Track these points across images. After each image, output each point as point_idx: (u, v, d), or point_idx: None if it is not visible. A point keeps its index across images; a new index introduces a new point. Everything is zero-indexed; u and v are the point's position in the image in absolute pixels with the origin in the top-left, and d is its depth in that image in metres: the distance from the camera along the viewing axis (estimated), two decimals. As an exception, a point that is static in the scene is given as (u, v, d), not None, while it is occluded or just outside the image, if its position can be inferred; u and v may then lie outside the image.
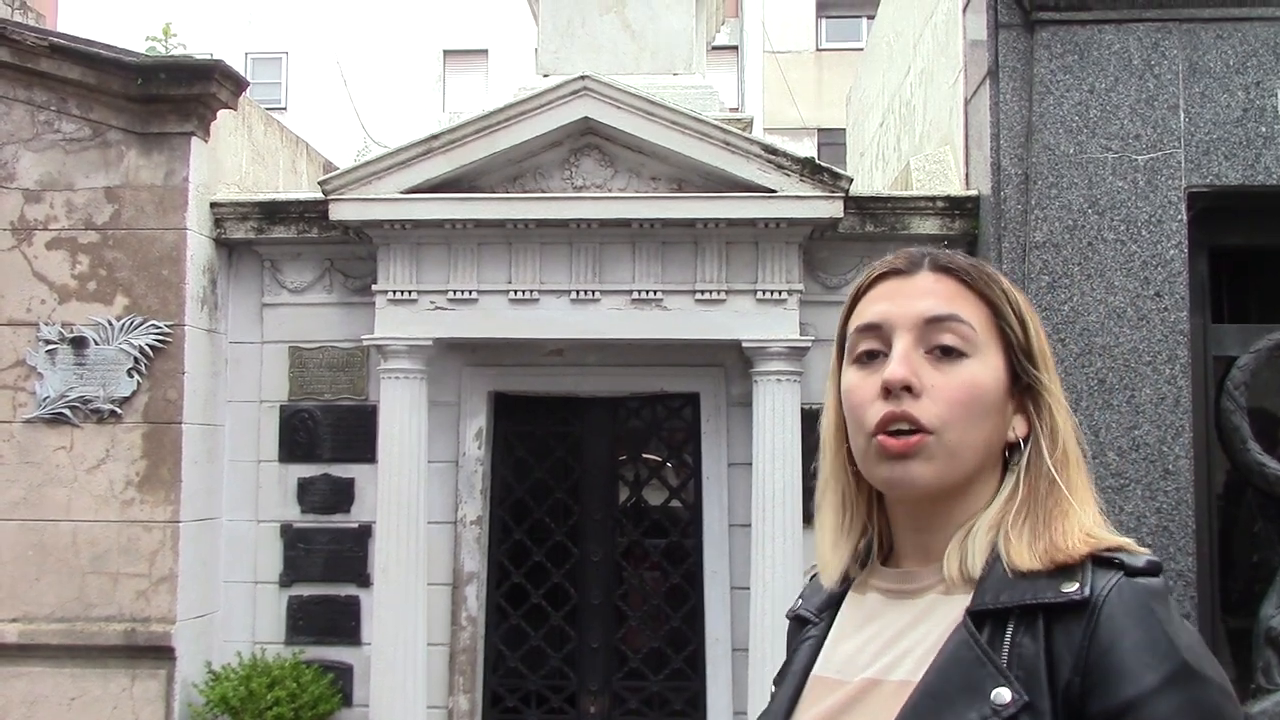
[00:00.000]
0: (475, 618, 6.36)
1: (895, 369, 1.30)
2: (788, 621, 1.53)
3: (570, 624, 6.49)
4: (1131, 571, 1.20)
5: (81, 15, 20.18)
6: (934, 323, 1.32)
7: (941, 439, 1.29)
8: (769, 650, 5.77)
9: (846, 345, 1.40)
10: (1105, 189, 5.42)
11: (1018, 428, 1.33)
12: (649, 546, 6.62)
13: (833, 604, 1.43)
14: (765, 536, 5.84)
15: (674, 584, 6.52)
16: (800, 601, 1.50)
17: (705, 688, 6.29)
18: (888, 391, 1.30)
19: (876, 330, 1.35)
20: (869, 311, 1.38)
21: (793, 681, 1.39)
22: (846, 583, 1.42)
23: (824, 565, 1.44)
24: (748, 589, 5.96)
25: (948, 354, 1.31)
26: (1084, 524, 1.27)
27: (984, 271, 1.36)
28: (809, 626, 1.44)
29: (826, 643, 1.39)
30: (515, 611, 6.50)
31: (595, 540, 6.52)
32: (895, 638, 1.30)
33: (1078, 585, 1.19)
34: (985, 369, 1.32)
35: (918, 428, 1.28)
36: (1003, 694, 1.16)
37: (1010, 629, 1.20)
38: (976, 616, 1.22)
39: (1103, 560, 1.22)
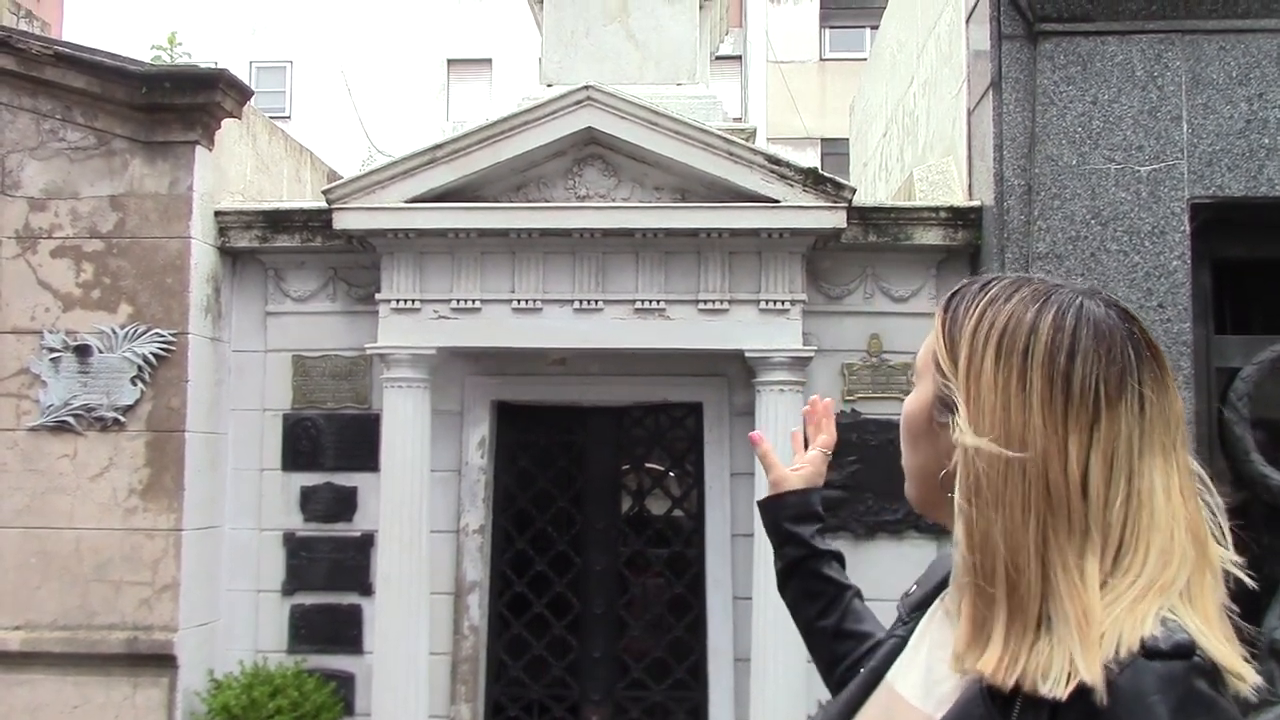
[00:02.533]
0: (477, 627, 6.36)
1: None
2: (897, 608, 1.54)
3: (572, 633, 6.48)
4: (1152, 653, 1.12)
5: (87, 24, 20.24)
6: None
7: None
8: (771, 661, 5.77)
9: None
10: (1108, 200, 5.42)
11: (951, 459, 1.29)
12: (651, 556, 6.62)
13: (922, 605, 1.43)
14: (767, 546, 5.80)
15: (676, 594, 6.51)
16: (915, 586, 1.49)
17: (707, 698, 6.28)
18: None
19: None
20: None
21: (866, 678, 1.42)
22: (943, 585, 1.40)
23: None
24: (750, 599, 5.96)
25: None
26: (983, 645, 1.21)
27: (949, 299, 1.35)
28: (899, 625, 1.46)
29: (906, 648, 1.39)
30: (517, 620, 6.49)
31: (598, 549, 6.52)
32: (939, 661, 1.29)
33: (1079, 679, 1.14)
34: (913, 397, 1.37)
35: None
36: None
37: (1019, 704, 1.15)
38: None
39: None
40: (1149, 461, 1.22)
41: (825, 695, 5.66)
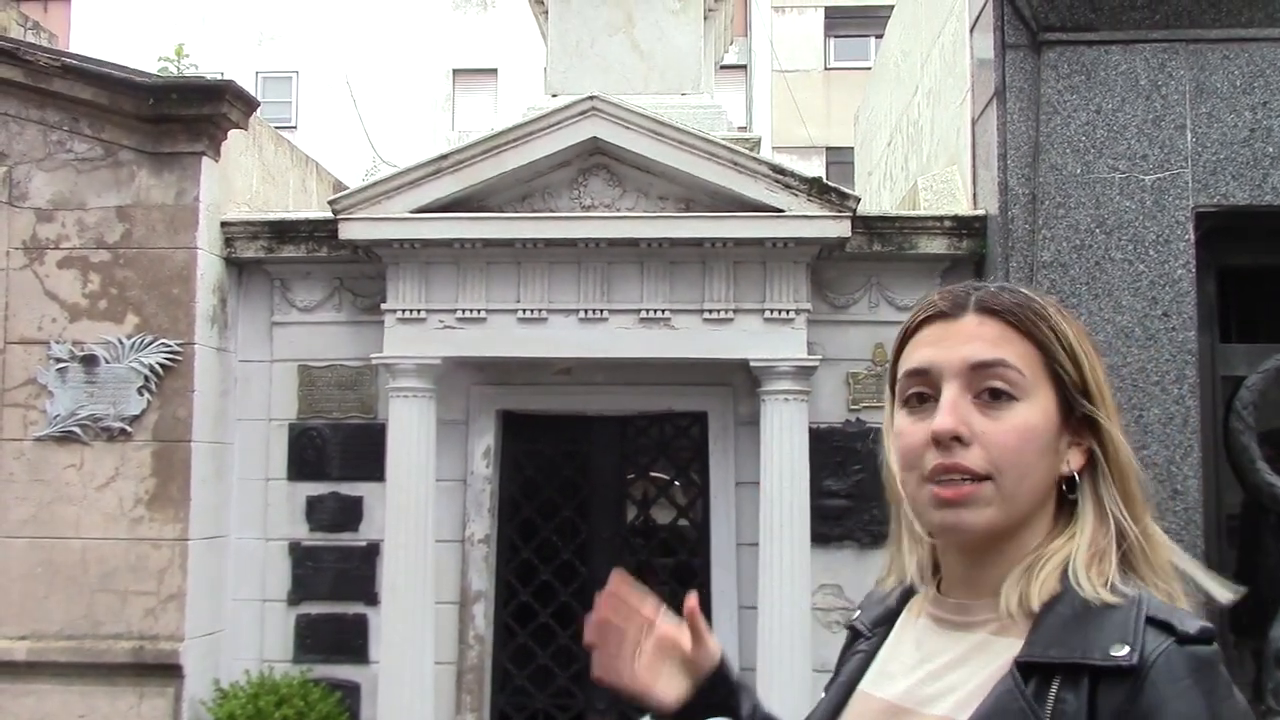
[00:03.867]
0: (483, 636, 6.36)
1: (943, 420, 1.29)
2: (846, 631, 1.55)
3: (578, 643, 6.47)
4: (1183, 639, 1.19)
5: (94, 36, 20.32)
6: (980, 368, 1.31)
7: (998, 485, 1.29)
8: (776, 669, 5.76)
9: (897, 387, 1.40)
10: (1112, 209, 5.42)
11: (1072, 461, 1.33)
12: (657, 565, 6.61)
13: (888, 620, 1.44)
14: (773, 556, 5.83)
15: (681, 603, 6.49)
16: (859, 613, 1.52)
17: (713, 707, 6.26)
18: (938, 441, 1.29)
19: (924, 375, 1.34)
20: (915, 356, 1.36)
21: (838, 693, 1.42)
22: (904, 600, 1.44)
23: (897, 565, 1.44)
24: (755, 608, 5.95)
25: (997, 398, 1.31)
26: (1157, 561, 1.31)
27: (1030, 310, 1.34)
28: (861, 640, 1.46)
29: (876, 660, 1.41)
30: (523, 630, 6.49)
31: (603, 559, 6.51)
32: (941, 671, 1.30)
33: (1128, 650, 1.18)
34: (1035, 411, 1.31)
35: (971, 476, 1.29)
36: None
37: (1056, 684, 1.19)
38: (1024, 667, 1.22)
39: (1157, 622, 1.21)
40: None
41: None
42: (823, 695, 1.47)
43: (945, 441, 1.29)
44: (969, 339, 1.32)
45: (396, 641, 5.98)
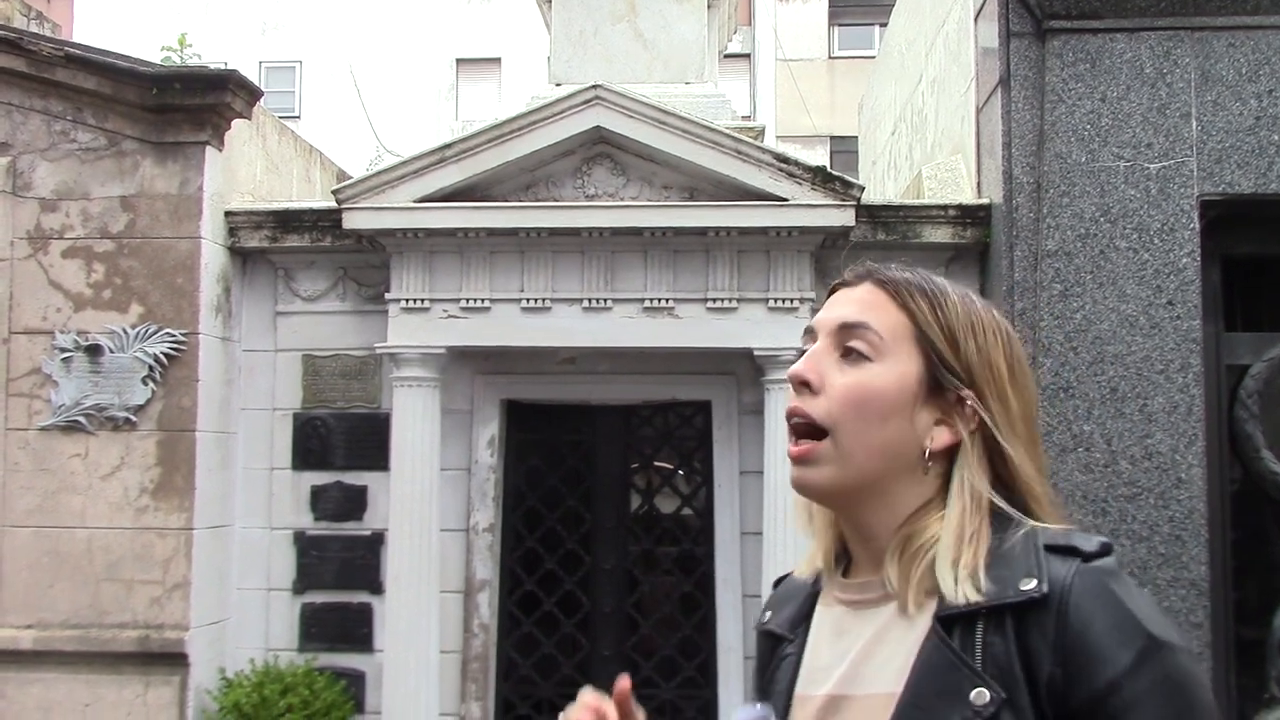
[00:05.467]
0: (487, 625, 6.37)
1: (796, 366, 1.39)
2: (756, 634, 1.56)
3: (582, 632, 6.49)
4: (1088, 557, 1.25)
5: (97, 26, 20.31)
6: (846, 328, 1.38)
7: (835, 441, 1.34)
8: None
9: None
10: (1117, 197, 5.41)
11: (935, 438, 1.35)
12: (661, 554, 6.62)
13: (803, 618, 1.46)
14: (777, 544, 5.84)
15: (686, 592, 6.52)
16: (769, 614, 1.54)
17: (716, 696, 6.29)
18: (793, 386, 1.39)
19: (810, 333, 1.42)
20: (814, 318, 1.45)
21: (778, 703, 1.42)
22: (814, 598, 1.46)
23: (810, 554, 1.48)
24: (759, 597, 5.96)
25: (849, 357, 1.36)
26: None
27: (916, 285, 1.40)
28: (785, 644, 1.47)
29: (804, 660, 1.42)
30: (527, 619, 6.50)
31: (607, 548, 6.53)
32: (868, 650, 1.32)
33: (1035, 581, 1.22)
34: (886, 375, 1.35)
35: (810, 423, 1.35)
36: (981, 694, 1.20)
37: (980, 630, 1.23)
38: (945, 621, 1.25)
39: (1057, 549, 1.25)
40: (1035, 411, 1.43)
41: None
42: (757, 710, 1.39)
43: (796, 386, 1.38)
44: (849, 302, 1.40)
45: (401, 630, 6.00)
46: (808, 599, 1.46)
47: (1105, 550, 1.26)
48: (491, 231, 6.02)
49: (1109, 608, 1.21)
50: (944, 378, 1.35)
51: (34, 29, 7.29)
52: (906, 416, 1.34)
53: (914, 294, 1.39)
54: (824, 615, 1.42)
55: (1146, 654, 1.19)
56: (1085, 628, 1.20)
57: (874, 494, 1.34)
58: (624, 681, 1.51)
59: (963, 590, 1.24)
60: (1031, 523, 1.30)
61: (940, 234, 6.10)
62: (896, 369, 1.35)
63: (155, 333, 6.10)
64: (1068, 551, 1.25)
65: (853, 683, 1.32)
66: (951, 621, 1.25)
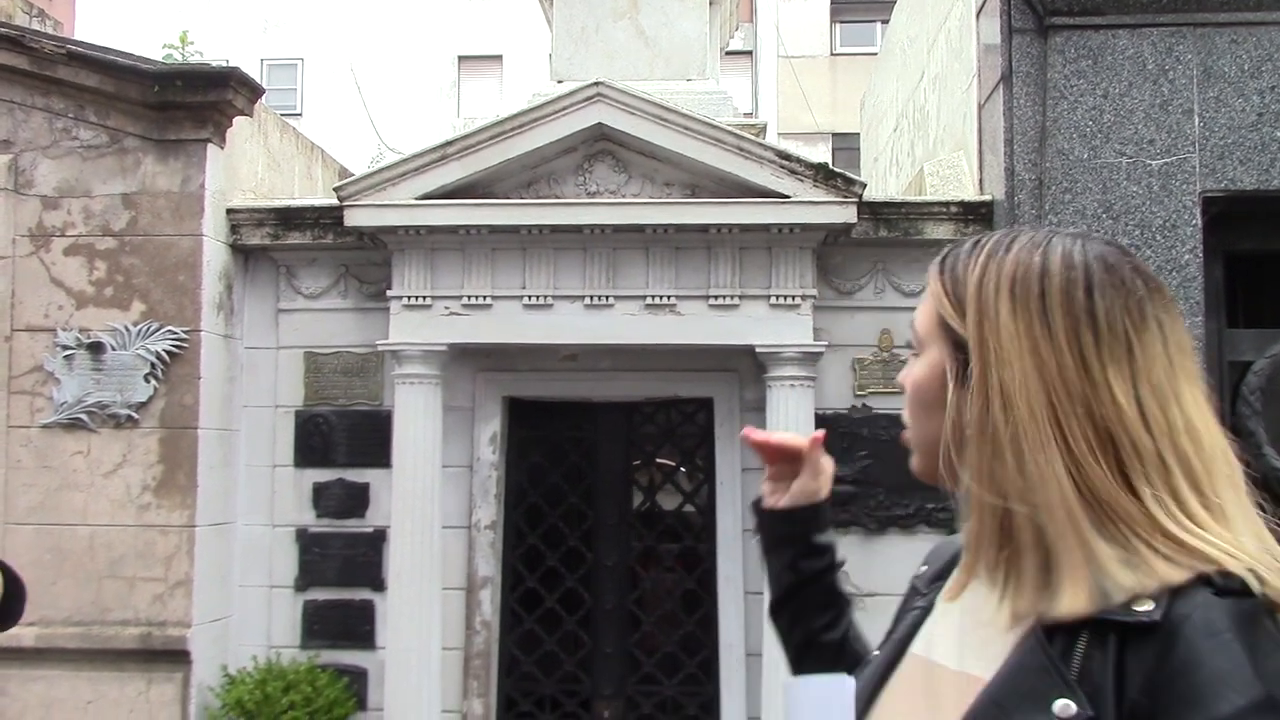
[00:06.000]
0: (489, 622, 6.38)
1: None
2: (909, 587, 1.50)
3: (584, 629, 6.50)
4: (1222, 590, 1.09)
5: (99, 23, 20.30)
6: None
7: (910, 436, 1.36)
8: (782, 655, 5.76)
9: None
10: (1119, 194, 5.41)
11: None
12: (663, 551, 6.62)
13: (941, 576, 1.40)
14: (779, 541, 5.83)
15: (688, 589, 6.52)
16: (924, 568, 1.48)
17: (719, 693, 6.29)
18: None
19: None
20: None
21: (890, 650, 1.38)
22: (959, 556, 1.36)
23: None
24: (761, 594, 5.96)
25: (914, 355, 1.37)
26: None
27: (948, 259, 1.32)
28: (918, 597, 1.42)
29: (929, 618, 1.36)
30: (529, 616, 6.51)
31: (609, 545, 6.53)
32: (973, 627, 1.26)
33: (1153, 604, 1.09)
34: (921, 366, 1.32)
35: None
36: (1067, 706, 1.10)
37: (1083, 640, 1.12)
38: (1048, 625, 1.15)
39: (1193, 572, 1.12)
40: (1185, 389, 1.21)
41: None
42: (875, 652, 1.44)
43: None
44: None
45: (403, 627, 6.00)
46: (952, 559, 1.39)
47: (1248, 589, 1.09)
48: (493, 228, 6.02)
49: (1226, 654, 1.05)
50: (956, 353, 1.26)
51: (36, 26, 7.29)
52: (943, 404, 1.27)
53: (943, 269, 1.31)
54: (958, 578, 1.33)
55: (1255, 712, 1.03)
56: (1189, 669, 1.06)
57: (970, 482, 1.24)
58: (819, 435, 1.76)
59: (1069, 599, 1.13)
60: (1185, 529, 1.14)
61: (942, 231, 6.09)
62: (928, 359, 1.31)
63: (157, 330, 6.10)
64: (1200, 579, 1.10)
65: (952, 655, 1.26)
66: (1057, 625, 1.14)
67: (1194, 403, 1.21)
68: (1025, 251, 1.24)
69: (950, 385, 1.26)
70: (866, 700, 1.33)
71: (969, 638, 1.25)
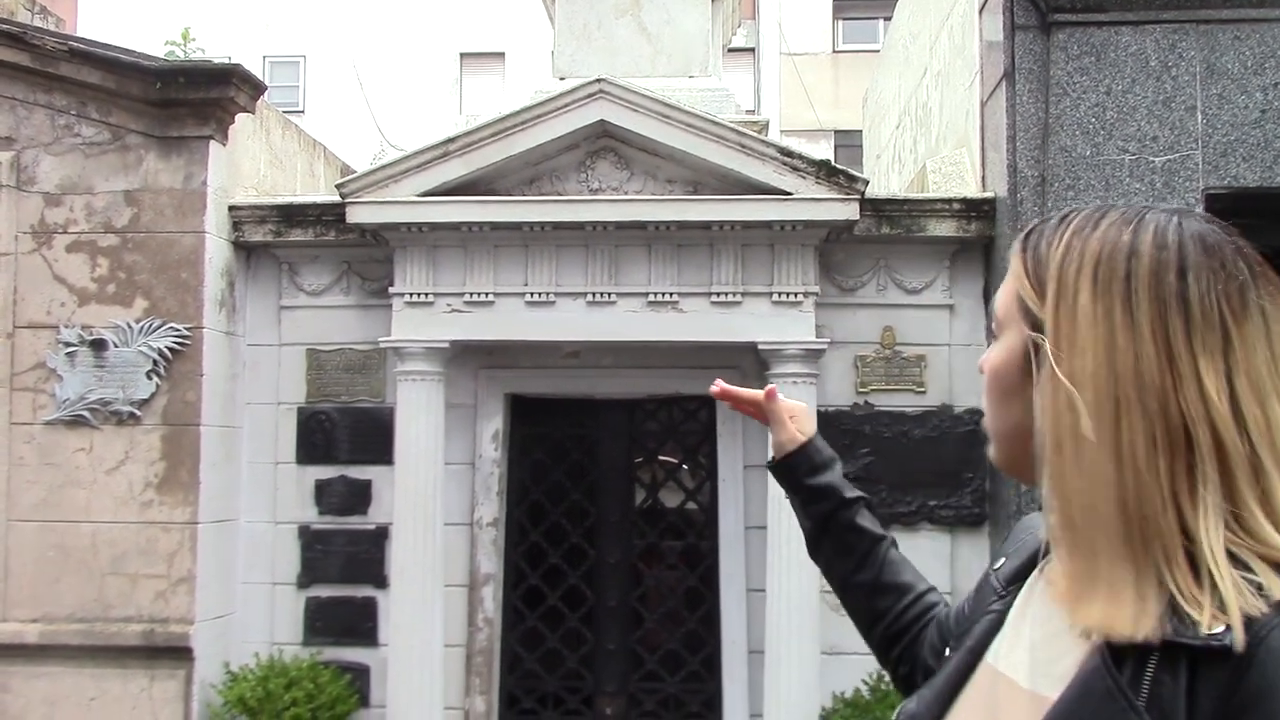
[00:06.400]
0: (492, 619, 6.38)
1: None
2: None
3: (587, 625, 6.50)
4: None
5: (100, 20, 20.30)
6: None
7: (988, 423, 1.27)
8: (785, 653, 5.77)
9: None
10: (1122, 191, 5.40)
11: None
12: (665, 548, 6.62)
13: (1020, 577, 1.28)
14: (781, 538, 5.83)
15: (690, 586, 6.52)
16: (1002, 561, 1.36)
17: (721, 690, 6.29)
18: None
19: None
20: None
21: (965, 659, 1.27)
22: (1039, 553, 1.27)
23: None
24: (763, 591, 5.96)
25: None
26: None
27: (1032, 236, 1.22)
28: (994, 599, 1.30)
29: (1005, 624, 1.25)
30: (532, 613, 6.51)
31: (612, 542, 6.53)
32: (1044, 641, 1.17)
33: (1225, 627, 1.01)
34: (998, 349, 1.23)
35: None
36: None
37: (1152, 663, 1.03)
38: (1115, 646, 1.06)
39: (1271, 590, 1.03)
40: None
41: (839, 686, 5.66)
42: (948, 653, 1.34)
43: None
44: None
45: (405, 624, 6.00)
46: (1031, 557, 1.28)
47: None
48: (495, 225, 6.02)
49: None
50: (1035, 336, 1.16)
51: (38, 23, 7.29)
52: (1025, 393, 1.18)
53: (1025, 246, 1.21)
54: (1034, 582, 1.25)
55: None
56: (1264, 697, 0.99)
57: (1041, 478, 1.15)
58: (770, 388, 1.81)
59: (1139, 622, 1.05)
60: (1265, 540, 1.05)
61: (945, 227, 6.09)
62: (1006, 342, 1.22)
63: (159, 327, 6.10)
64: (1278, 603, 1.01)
65: (1023, 670, 1.17)
66: (1124, 646, 1.06)
67: None
68: (1114, 229, 1.14)
69: (1030, 371, 1.17)
70: (940, 709, 1.26)
71: (1040, 652, 1.16)
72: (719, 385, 1.87)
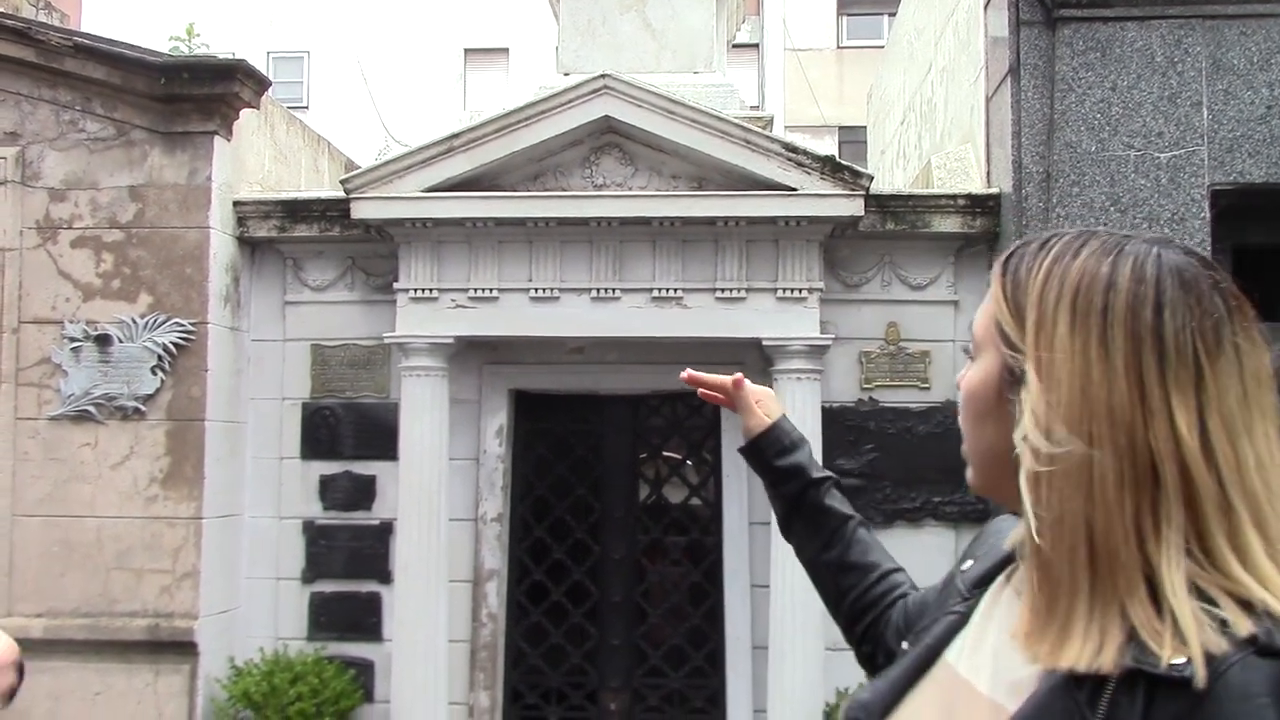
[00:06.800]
0: (496, 614, 6.38)
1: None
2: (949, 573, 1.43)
3: (591, 621, 6.50)
4: (1265, 649, 1.00)
5: (105, 15, 20.31)
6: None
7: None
8: (789, 648, 5.78)
9: None
10: (1127, 187, 5.39)
11: None
12: (669, 544, 6.62)
13: (986, 581, 1.29)
14: (785, 534, 5.83)
15: (694, 582, 6.52)
16: (969, 563, 1.37)
17: (725, 685, 6.29)
18: None
19: None
20: None
21: (922, 655, 1.29)
22: (1006, 562, 1.28)
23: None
24: (768, 587, 5.96)
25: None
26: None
27: (1012, 259, 1.22)
28: (958, 599, 1.31)
29: (968, 626, 1.26)
30: (536, 608, 6.51)
31: (616, 538, 6.53)
32: (1005, 647, 1.17)
33: (1186, 659, 1.00)
34: (975, 370, 1.24)
35: None
36: None
37: (1111, 685, 1.03)
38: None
39: (1235, 626, 1.02)
40: (1258, 424, 1.09)
41: (843, 682, 5.66)
42: (905, 646, 1.36)
43: None
44: None
45: (410, 619, 6.01)
46: (999, 563, 1.29)
47: None
48: (499, 221, 6.02)
49: (1256, 718, 0.97)
50: (1011, 360, 1.16)
51: (42, 19, 7.29)
52: (1001, 417, 1.18)
53: (1006, 270, 1.21)
54: (1001, 589, 1.26)
55: None
56: None
57: (1018, 502, 1.15)
58: (737, 376, 1.88)
59: (1099, 656, 1.05)
60: (1232, 577, 1.05)
61: (949, 223, 6.08)
62: (983, 364, 1.22)
63: (164, 322, 6.11)
64: (1247, 638, 1.00)
65: (984, 676, 1.18)
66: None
67: (1266, 438, 1.09)
68: (1094, 259, 1.14)
69: (1005, 395, 1.17)
70: (892, 701, 1.27)
71: (1002, 660, 1.17)
72: (688, 373, 1.96)
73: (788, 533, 1.83)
